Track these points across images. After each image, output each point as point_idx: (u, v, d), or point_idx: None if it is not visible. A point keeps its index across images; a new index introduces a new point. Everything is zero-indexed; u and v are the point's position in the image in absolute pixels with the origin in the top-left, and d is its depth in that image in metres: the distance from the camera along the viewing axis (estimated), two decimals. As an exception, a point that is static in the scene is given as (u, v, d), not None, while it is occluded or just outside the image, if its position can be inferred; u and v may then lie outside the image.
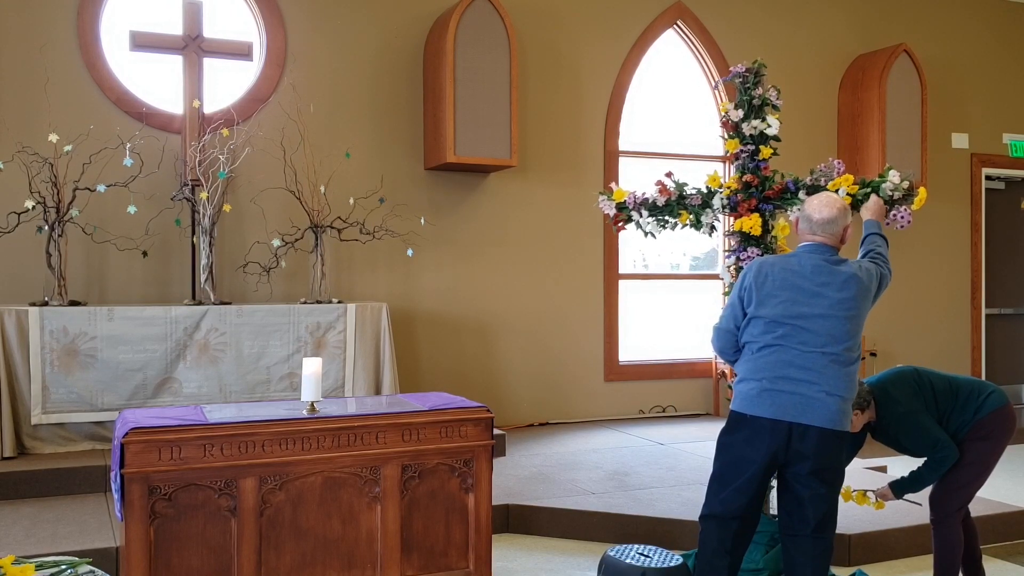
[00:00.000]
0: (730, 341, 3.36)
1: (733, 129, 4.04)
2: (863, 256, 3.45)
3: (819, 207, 3.31)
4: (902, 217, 3.61)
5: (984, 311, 8.66)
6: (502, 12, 6.35)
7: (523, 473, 5.39)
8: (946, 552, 3.63)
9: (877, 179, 3.66)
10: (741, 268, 3.94)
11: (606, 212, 4.38)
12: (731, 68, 4.10)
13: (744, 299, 3.29)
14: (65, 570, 2.60)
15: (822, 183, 3.78)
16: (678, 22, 7.45)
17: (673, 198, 4.14)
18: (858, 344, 3.21)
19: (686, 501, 4.77)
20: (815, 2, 7.95)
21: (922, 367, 3.74)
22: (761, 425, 3.17)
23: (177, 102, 5.85)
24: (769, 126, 3.95)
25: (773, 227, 3.95)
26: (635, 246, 7.48)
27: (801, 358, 3.15)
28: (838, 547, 4.24)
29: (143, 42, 5.63)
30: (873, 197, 3.66)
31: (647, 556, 3.72)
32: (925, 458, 3.63)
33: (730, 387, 4.00)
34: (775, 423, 3.14)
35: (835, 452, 3.18)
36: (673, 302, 7.71)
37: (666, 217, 4.20)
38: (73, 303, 5.30)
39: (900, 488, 3.72)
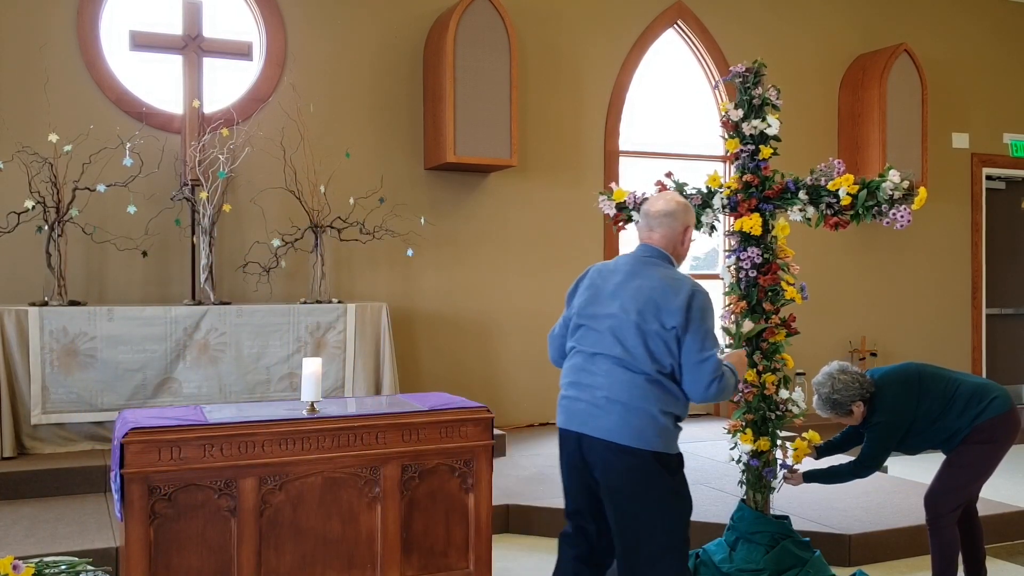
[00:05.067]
0: (557, 346, 3.10)
1: (733, 129, 4.03)
2: None
3: (656, 200, 3.06)
4: (902, 217, 3.60)
5: (984, 311, 8.65)
6: (502, 12, 6.34)
7: (523, 473, 5.39)
8: (942, 553, 3.62)
9: (877, 179, 3.65)
10: (741, 268, 3.94)
11: (606, 212, 4.38)
12: (731, 68, 4.10)
13: (567, 303, 3.08)
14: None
15: (822, 183, 3.78)
16: (678, 22, 7.45)
17: (673, 198, 4.13)
18: (655, 356, 2.78)
19: (686, 501, 4.76)
20: (815, 2, 7.94)
21: (927, 366, 3.73)
22: (561, 437, 2.95)
23: (177, 102, 5.84)
24: (769, 126, 3.94)
25: (773, 227, 3.95)
26: (635, 246, 7.47)
27: (589, 361, 2.87)
28: (838, 547, 4.25)
29: (143, 42, 5.63)
30: (739, 352, 3.24)
31: (647, 556, 3.72)
32: (853, 461, 3.75)
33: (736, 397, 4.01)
34: (566, 433, 2.90)
35: (624, 473, 2.74)
36: (673, 302, 7.69)
37: (666, 217, 4.18)
38: (73, 303, 5.30)
39: (812, 478, 3.84)
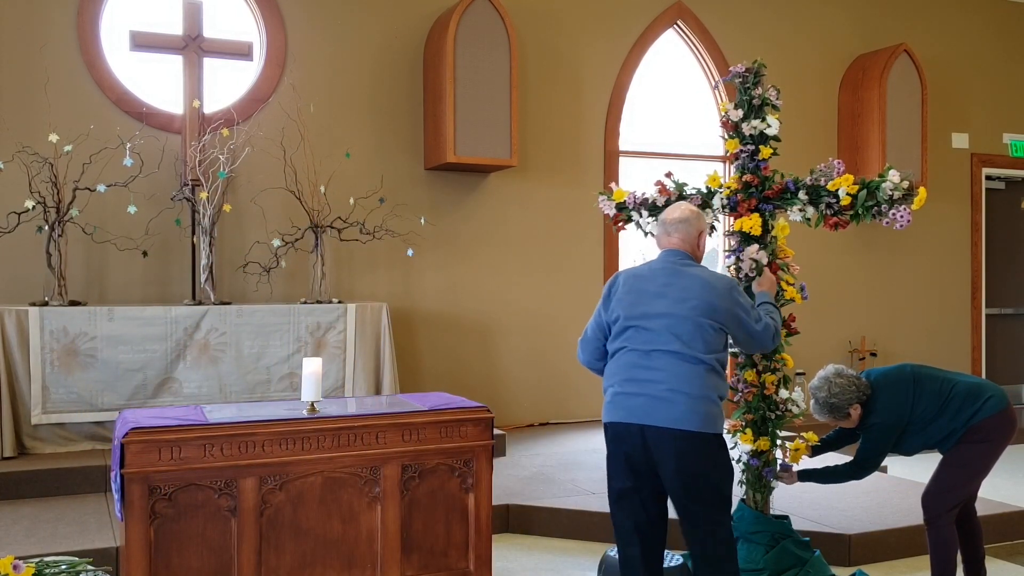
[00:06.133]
0: (591, 350, 3.29)
1: (733, 129, 4.03)
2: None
3: (672, 210, 3.35)
4: (902, 217, 3.61)
5: (984, 311, 8.65)
6: (502, 12, 6.34)
7: (523, 473, 5.39)
8: (940, 552, 3.62)
9: (877, 179, 3.66)
10: (741, 268, 3.94)
11: (606, 212, 4.38)
12: (731, 68, 4.10)
13: (601, 309, 3.27)
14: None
15: (822, 183, 3.78)
16: (678, 22, 7.45)
17: (673, 198, 4.14)
18: (711, 347, 3.06)
19: (686, 501, 4.77)
20: (815, 2, 7.95)
21: (923, 367, 3.73)
22: (615, 430, 3.12)
23: (177, 102, 5.85)
24: (769, 126, 3.94)
25: (773, 227, 3.95)
26: (635, 246, 7.48)
27: (645, 358, 3.07)
28: (838, 547, 4.25)
29: (143, 42, 5.63)
30: (766, 272, 3.75)
31: (647, 556, 3.72)
32: (849, 462, 3.75)
33: (730, 387, 4.01)
34: (625, 427, 3.07)
35: (693, 456, 3.01)
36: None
37: (666, 217, 4.19)
38: (73, 303, 5.30)
39: (807, 477, 3.86)
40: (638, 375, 3.07)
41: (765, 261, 3.85)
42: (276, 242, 5.91)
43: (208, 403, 5.16)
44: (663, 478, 3.08)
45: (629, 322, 3.13)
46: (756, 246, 3.87)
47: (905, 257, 8.28)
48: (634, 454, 3.08)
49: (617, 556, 3.65)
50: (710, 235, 4.17)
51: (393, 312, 6.12)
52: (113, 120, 5.78)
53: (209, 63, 5.81)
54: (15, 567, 2.41)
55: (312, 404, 3.48)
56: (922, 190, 3.62)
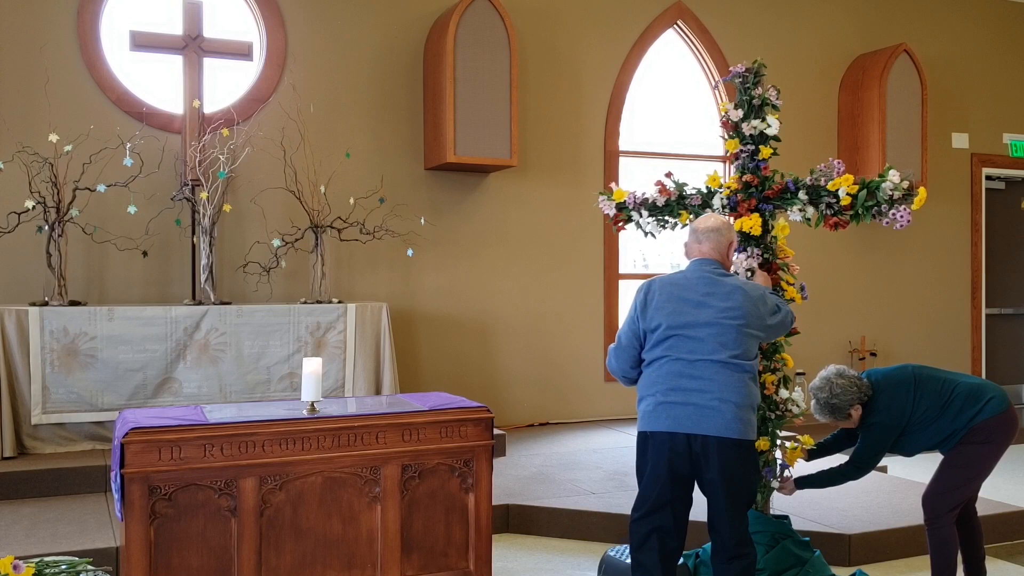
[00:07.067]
0: (627, 358, 3.30)
1: (733, 129, 4.04)
2: None
3: (704, 219, 3.43)
4: (902, 217, 3.61)
5: (984, 311, 8.65)
6: (502, 12, 6.35)
7: (523, 473, 5.39)
8: (940, 552, 3.62)
9: (877, 179, 3.66)
10: (738, 274, 3.94)
11: (606, 212, 4.38)
12: (731, 68, 4.10)
13: (637, 317, 3.28)
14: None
15: (822, 183, 3.78)
16: (678, 22, 7.45)
17: (673, 198, 4.14)
18: (751, 355, 3.17)
19: (686, 501, 4.77)
20: (815, 2, 7.95)
21: (924, 368, 3.73)
22: (659, 440, 3.14)
23: (177, 102, 5.85)
24: (769, 126, 3.94)
25: (773, 227, 3.95)
26: (635, 246, 7.48)
27: (690, 367, 3.12)
28: (838, 547, 4.26)
29: (143, 42, 5.63)
30: (758, 272, 3.85)
31: (647, 556, 3.71)
32: (846, 463, 3.76)
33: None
34: (672, 435, 3.11)
35: (738, 462, 3.11)
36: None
37: (666, 217, 4.20)
38: (73, 303, 5.30)
39: (804, 484, 3.86)
40: (684, 384, 3.11)
41: (756, 264, 3.89)
42: (276, 242, 5.91)
43: (208, 403, 5.16)
44: (702, 482, 3.15)
45: (672, 331, 3.16)
46: (743, 255, 3.90)
47: (905, 257, 8.28)
48: (678, 463, 3.12)
49: (626, 559, 3.65)
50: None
51: (393, 312, 6.12)
52: (113, 120, 5.78)
53: (209, 63, 5.81)
54: (15, 567, 2.41)
55: (312, 404, 3.48)
56: (922, 190, 3.62)
